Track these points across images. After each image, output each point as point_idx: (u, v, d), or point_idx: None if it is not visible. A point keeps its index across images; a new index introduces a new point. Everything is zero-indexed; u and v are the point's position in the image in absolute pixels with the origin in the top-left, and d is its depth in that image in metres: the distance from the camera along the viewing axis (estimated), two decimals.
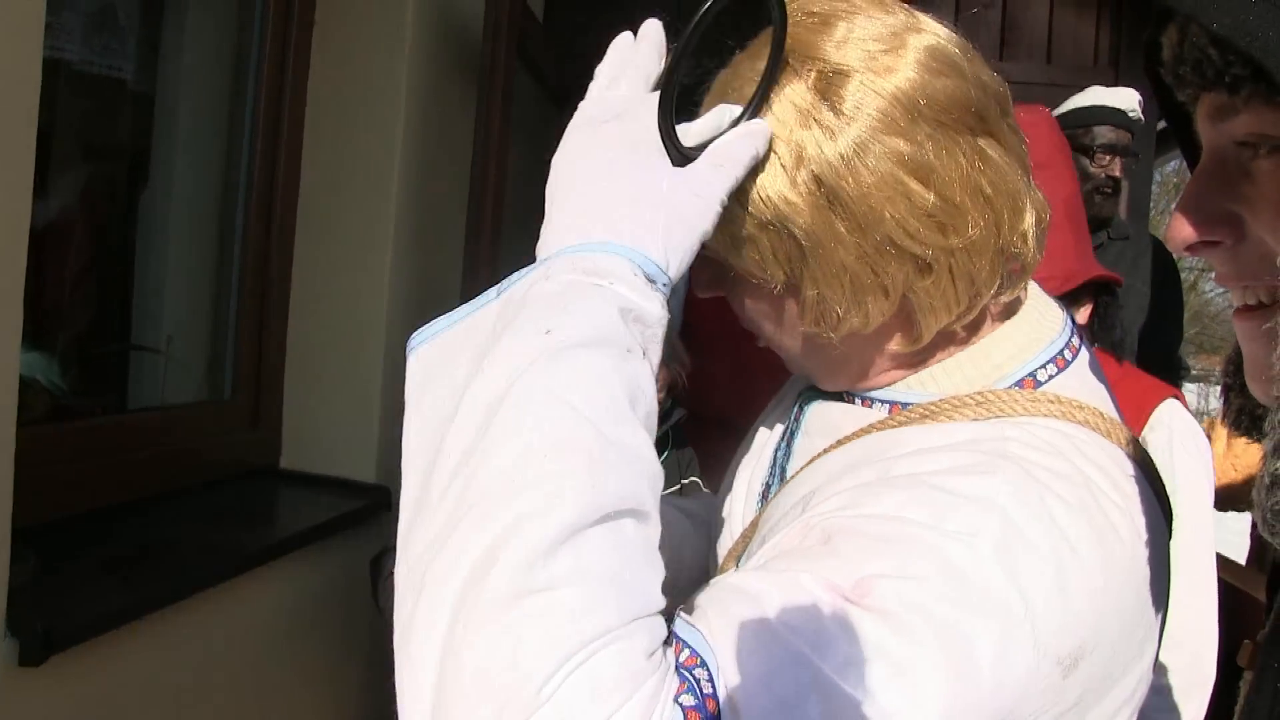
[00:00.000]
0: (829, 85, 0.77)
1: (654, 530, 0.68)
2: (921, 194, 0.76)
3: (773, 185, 0.77)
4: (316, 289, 2.55)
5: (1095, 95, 2.83)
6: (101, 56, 2.14)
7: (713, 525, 1.12)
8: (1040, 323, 0.89)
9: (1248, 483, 2.20)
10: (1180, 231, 0.64)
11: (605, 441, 0.64)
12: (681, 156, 0.77)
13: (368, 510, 2.45)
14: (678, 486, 2.16)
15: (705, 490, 2.16)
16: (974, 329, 0.87)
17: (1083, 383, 0.86)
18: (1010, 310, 0.89)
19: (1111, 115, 2.77)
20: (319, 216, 2.54)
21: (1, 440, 1.31)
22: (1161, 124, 4.74)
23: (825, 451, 0.90)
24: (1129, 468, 0.80)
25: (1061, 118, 2.81)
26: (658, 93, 0.77)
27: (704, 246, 0.76)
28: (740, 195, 0.78)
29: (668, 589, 0.81)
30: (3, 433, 1.31)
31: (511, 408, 0.65)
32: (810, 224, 0.77)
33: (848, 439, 0.89)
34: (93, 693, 1.60)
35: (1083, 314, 1.93)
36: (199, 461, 2.23)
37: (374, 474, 2.55)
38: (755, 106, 0.79)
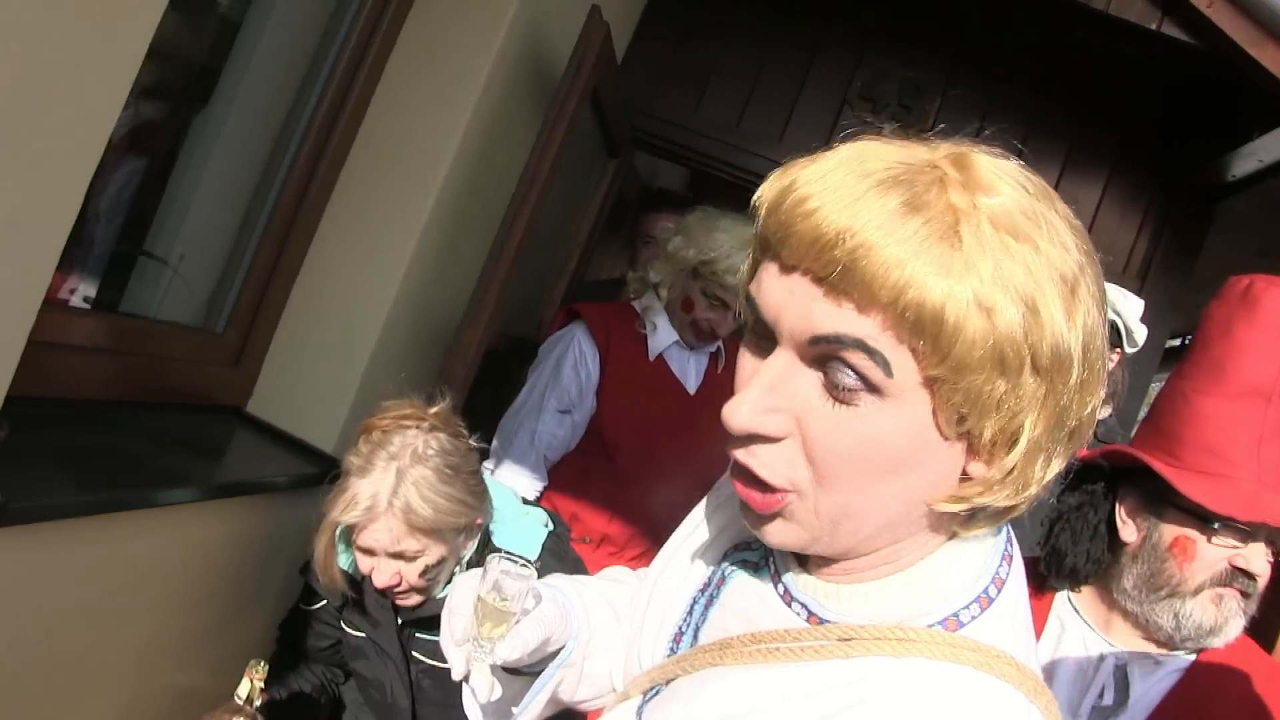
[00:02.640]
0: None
1: None
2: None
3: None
4: (335, 256, 2.57)
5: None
6: None
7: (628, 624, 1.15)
8: (976, 550, 0.85)
9: None
10: None
11: None
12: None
13: (317, 478, 2.45)
14: None
15: None
16: (924, 552, 0.84)
17: (1003, 625, 0.82)
18: (956, 530, 0.84)
19: None
20: (360, 188, 2.57)
21: (24, 312, 1.34)
22: (1171, 342, 4.85)
23: (741, 642, 0.89)
24: None
25: None
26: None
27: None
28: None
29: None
30: (28, 304, 1.34)
31: None
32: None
33: (763, 640, 0.87)
34: (29, 572, 1.62)
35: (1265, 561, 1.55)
36: (174, 382, 2.24)
37: (333, 447, 2.56)
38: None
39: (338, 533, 1.84)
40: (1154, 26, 3.12)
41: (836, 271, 0.70)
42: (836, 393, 0.74)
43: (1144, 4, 3.11)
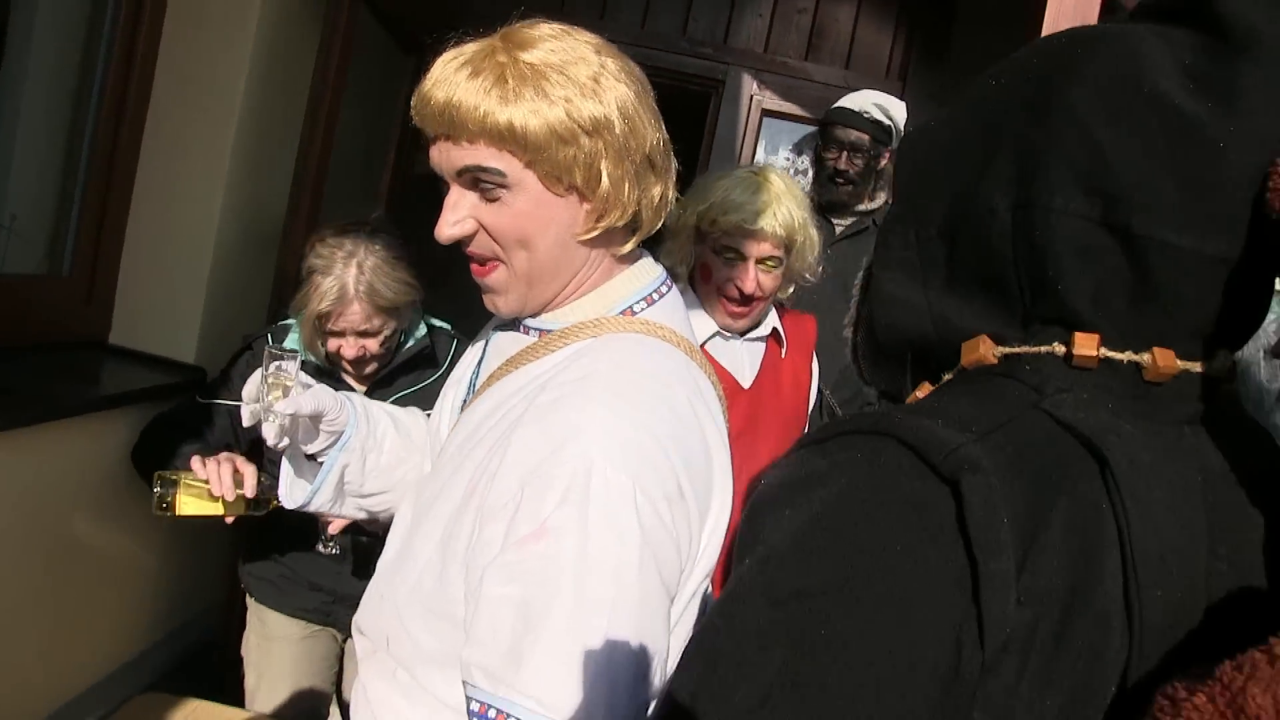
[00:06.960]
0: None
1: None
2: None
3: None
4: (158, 187, 2.83)
5: (850, 98, 3.18)
6: None
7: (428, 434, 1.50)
8: (641, 273, 1.23)
9: None
10: None
11: None
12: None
13: (184, 386, 2.75)
14: None
15: None
16: (604, 278, 1.21)
17: (665, 314, 1.21)
18: (626, 264, 1.23)
19: (848, 117, 3.12)
20: (168, 118, 2.82)
21: None
22: None
23: (500, 369, 1.23)
24: (697, 373, 1.17)
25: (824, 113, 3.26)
26: None
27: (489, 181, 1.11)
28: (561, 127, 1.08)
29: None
30: None
31: None
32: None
33: (513, 360, 1.21)
34: None
35: None
36: (33, 328, 2.50)
37: (193, 356, 2.86)
38: None
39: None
40: None
41: (449, 127, 1.09)
42: (487, 196, 1.12)
43: None
